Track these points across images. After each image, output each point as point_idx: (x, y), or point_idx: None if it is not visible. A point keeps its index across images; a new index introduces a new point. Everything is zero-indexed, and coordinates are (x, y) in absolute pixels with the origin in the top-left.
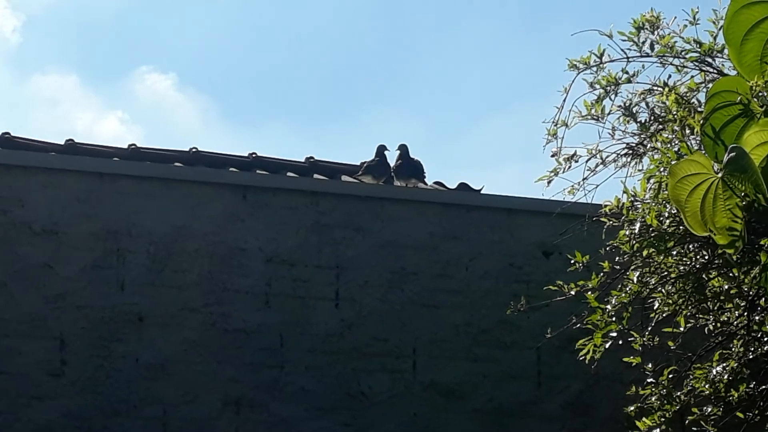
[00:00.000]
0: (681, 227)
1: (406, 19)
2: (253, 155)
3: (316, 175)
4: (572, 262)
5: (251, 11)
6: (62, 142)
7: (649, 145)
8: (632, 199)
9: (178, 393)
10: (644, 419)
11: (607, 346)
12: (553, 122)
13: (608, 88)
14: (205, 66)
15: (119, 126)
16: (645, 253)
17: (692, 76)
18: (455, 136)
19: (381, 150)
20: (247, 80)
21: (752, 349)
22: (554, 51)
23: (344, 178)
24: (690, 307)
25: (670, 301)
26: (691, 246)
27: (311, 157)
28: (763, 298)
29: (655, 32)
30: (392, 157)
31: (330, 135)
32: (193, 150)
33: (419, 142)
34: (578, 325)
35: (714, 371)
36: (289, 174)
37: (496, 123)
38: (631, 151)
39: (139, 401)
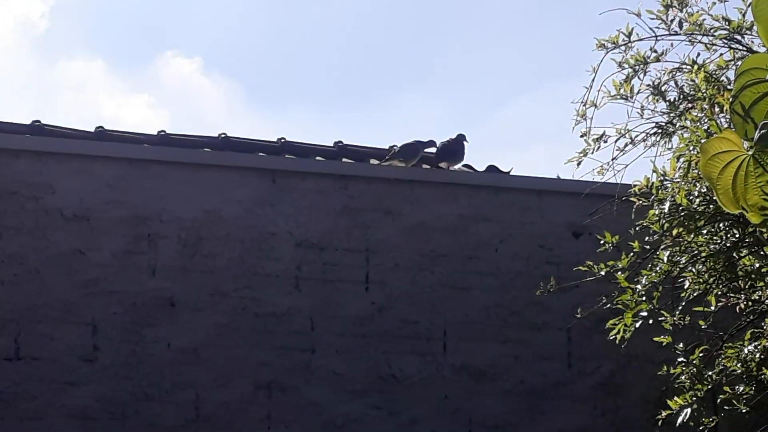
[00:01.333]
0: (711, 206)
1: (432, 1)
2: (282, 140)
3: (344, 159)
4: (602, 242)
5: None
6: (92, 129)
7: (678, 124)
8: (662, 178)
9: (210, 377)
10: (676, 398)
11: (637, 326)
12: (582, 102)
13: (637, 67)
14: (230, 50)
15: (146, 110)
16: (675, 232)
17: (721, 54)
18: (481, 118)
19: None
20: (273, 64)
21: None
22: (580, 30)
23: (372, 161)
24: (721, 286)
25: (701, 280)
26: (721, 225)
27: (339, 142)
28: None
29: (684, 10)
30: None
31: (356, 119)
32: (222, 135)
33: (445, 124)
34: (608, 306)
35: (745, 350)
36: (318, 158)
37: (522, 104)
38: (660, 130)
39: (171, 386)
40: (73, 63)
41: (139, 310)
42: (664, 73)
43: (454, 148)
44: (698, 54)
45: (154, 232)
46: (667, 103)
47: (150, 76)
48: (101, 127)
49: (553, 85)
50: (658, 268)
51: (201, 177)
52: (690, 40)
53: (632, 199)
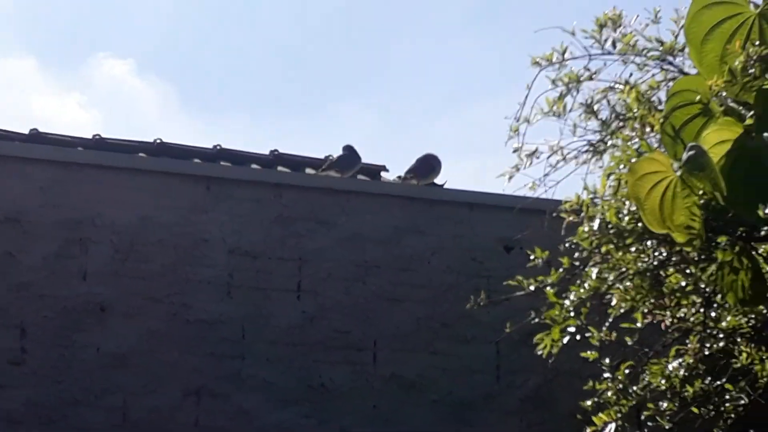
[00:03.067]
0: (639, 224)
1: (366, 13)
2: (218, 147)
3: (280, 168)
4: (532, 257)
5: (211, 3)
6: (26, 131)
7: (609, 143)
8: (592, 195)
9: (140, 383)
10: (601, 414)
11: (565, 341)
12: (516, 118)
13: (570, 85)
14: (164, 53)
15: (78, 110)
16: (604, 249)
17: (653, 75)
18: (414, 131)
19: (349, 147)
20: (207, 68)
21: (708, 345)
22: (511, 46)
23: (308, 170)
24: (647, 304)
25: (628, 297)
26: (649, 243)
27: (275, 150)
28: (719, 295)
29: (618, 30)
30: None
31: (291, 127)
32: (158, 141)
33: (378, 135)
34: (537, 320)
35: (670, 367)
36: (254, 166)
37: (454, 117)
38: (591, 148)
39: (100, 391)
40: (5, 61)
41: (70, 315)
42: (596, 92)
43: (348, 155)
44: (631, 74)
45: (86, 237)
46: (599, 122)
47: (82, 76)
48: (35, 129)
49: (487, 99)
50: (586, 285)
51: (135, 182)
52: (623, 60)
53: (563, 215)
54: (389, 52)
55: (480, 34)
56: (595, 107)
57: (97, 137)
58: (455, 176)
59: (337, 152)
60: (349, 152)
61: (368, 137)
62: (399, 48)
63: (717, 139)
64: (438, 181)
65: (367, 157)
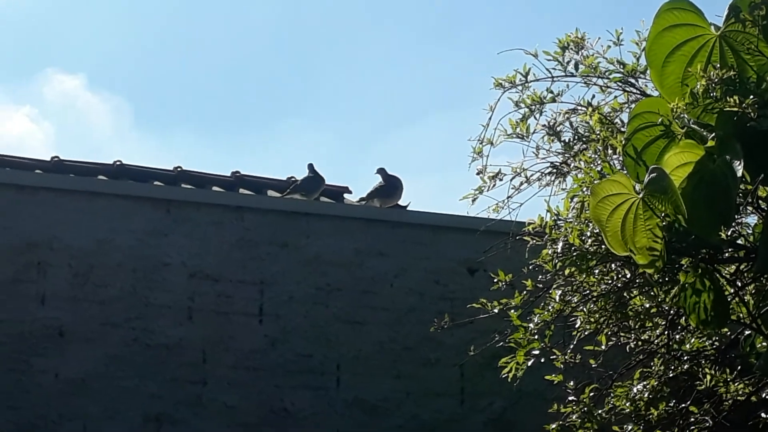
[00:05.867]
0: (603, 246)
1: (319, 28)
2: (178, 169)
3: (241, 190)
4: (496, 280)
5: (161, 21)
6: None
7: (572, 165)
8: (555, 218)
9: (99, 409)
10: None
11: (529, 363)
12: (479, 140)
13: (533, 107)
14: (115, 68)
15: (29, 123)
16: (567, 271)
17: (616, 97)
18: (368, 147)
19: (311, 167)
20: (161, 84)
21: (672, 367)
22: (464, 60)
23: (270, 192)
24: (611, 326)
25: (592, 320)
26: (612, 265)
27: (237, 172)
28: (683, 317)
29: (580, 53)
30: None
31: (247, 144)
32: (117, 163)
33: (333, 153)
34: (501, 343)
35: (635, 389)
36: (215, 188)
37: (409, 133)
38: (555, 170)
39: (58, 417)
40: None
41: (27, 340)
42: (559, 114)
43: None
44: (593, 96)
45: (44, 260)
46: (562, 144)
47: (32, 90)
48: None
49: (444, 114)
50: (550, 307)
51: (94, 205)
52: (585, 82)
53: (526, 237)
54: (335, 66)
55: (426, 48)
56: (558, 129)
57: (56, 159)
58: (418, 194)
59: (296, 171)
60: (314, 174)
61: (326, 155)
62: (345, 63)
63: (679, 162)
64: (401, 202)
65: (327, 177)
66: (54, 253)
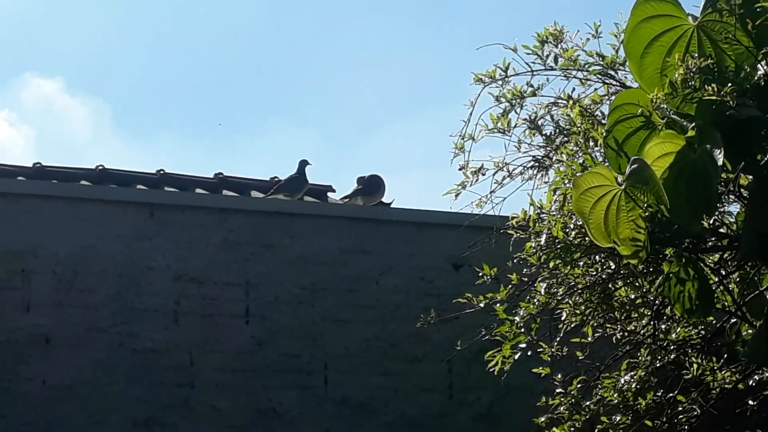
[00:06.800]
0: (587, 238)
1: (296, 26)
2: (161, 172)
3: (225, 192)
4: (481, 274)
5: (139, 22)
6: None
7: (554, 158)
8: (538, 211)
9: (86, 415)
10: (554, 429)
11: (516, 357)
12: (460, 136)
13: (514, 101)
14: (94, 71)
15: (8, 128)
16: (552, 264)
17: (596, 89)
18: (353, 145)
19: (302, 166)
20: (140, 87)
21: (659, 357)
22: (448, 57)
23: (254, 193)
24: (597, 317)
25: (578, 312)
26: (597, 257)
27: (220, 173)
28: (668, 307)
29: (559, 46)
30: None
31: (229, 147)
32: (100, 167)
33: (317, 152)
34: (488, 337)
35: (622, 380)
36: (198, 191)
37: (393, 130)
38: (537, 164)
39: (45, 424)
40: None
41: (13, 347)
42: (540, 108)
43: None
44: (573, 89)
45: (28, 268)
46: (544, 137)
47: (10, 95)
48: None
49: (423, 111)
50: (536, 300)
51: (77, 211)
52: (565, 75)
53: (510, 231)
54: (317, 64)
55: (408, 44)
56: (539, 123)
57: (38, 165)
58: (403, 191)
59: (280, 171)
60: (298, 175)
61: (311, 154)
62: (326, 60)
63: (660, 152)
64: (385, 200)
65: (310, 176)
66: (38, 260)
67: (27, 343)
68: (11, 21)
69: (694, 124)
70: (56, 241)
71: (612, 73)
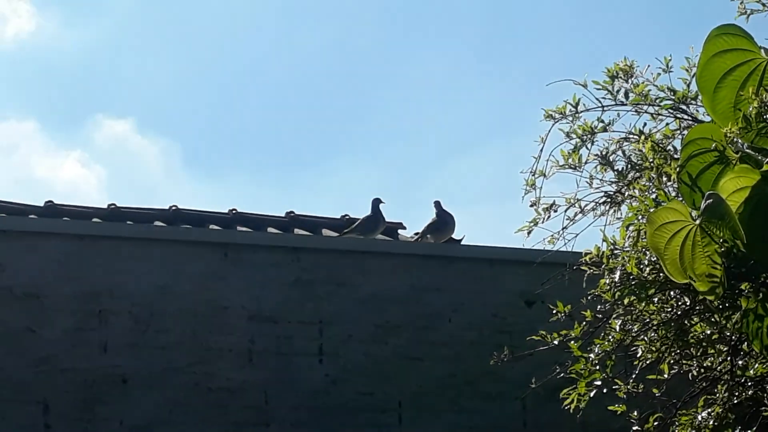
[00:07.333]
0: (661, 274)
1: (362, 60)
2: (233, 211)
3: (296, 230)
4: (554, 311)
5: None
6: (41, 204)
7: (626, 193)
8: (612, 247)
9: None
10: None
11: (591, 394)
12: (531, 172)
13: (584, 137)
14: (163, 112)
15: (80, 168)
16: (626, 301)
17: (667, 124)
18: (421, 179)
19: (375, 204)
20: (209, 126)
21: (736, 393)
22: (514, 88)
23: (325, 231)
24: (673, 354)
25: (653, 348)
26: (672, 293)
27: (291, 212)
28: (746, 343)
29: (629, 81)
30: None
31: (296, 184)
32: (173, 208)
33: (385, 188)
34: (562, 375)
35: (699, 417)
36: (270, 230)
37: (462, 163)
38: (609, 200)
39: None
40: (5, 124)
41: (91, 388)
42: (611, 143)
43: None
44: (644, 124)
45: (105, 308)
46: (616, 173)
47: (82, 135)
48: (50, 201)
49: (496, 143)
50: (610, 337)
51: (152, 251)
52: (636, 110)
53: (583, 268)
54: (395, 100)
55: (471, 78)
56: (611, 158)
57: (112, 206)
58: (474, 224)
59: (350, 208)
60: (373, 214)
61: (379, 190)
62: (390, 98)
63: (735, 187)
64: (455, 236)
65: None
66: (115, 300)
67: (104, 384)
68: (83, 63)
69: None
70: (132, 281)
71: (684, 107)
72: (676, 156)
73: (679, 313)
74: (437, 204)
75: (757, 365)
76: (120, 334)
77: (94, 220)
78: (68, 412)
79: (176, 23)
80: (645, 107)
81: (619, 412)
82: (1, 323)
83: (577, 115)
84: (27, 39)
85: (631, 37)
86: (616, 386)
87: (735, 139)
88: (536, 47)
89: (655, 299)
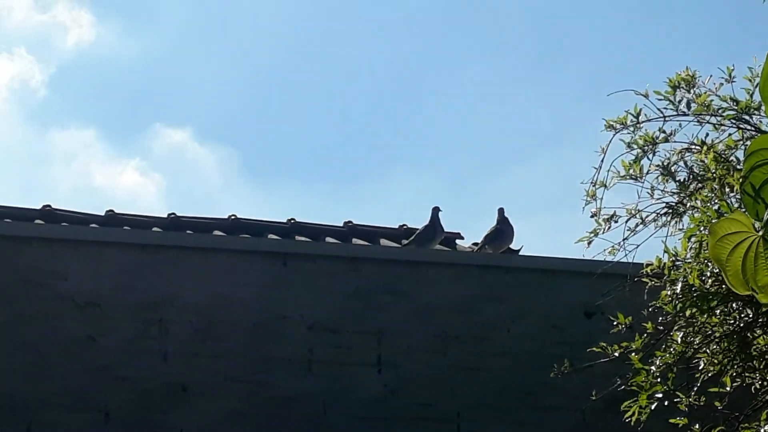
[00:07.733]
0: (723, 286)
1: (417, 70)
2: (292, 221)
3: (354, 240)
4: (615, 323)
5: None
6: (101, 213)
7: (688, 204)
8: (673, 258)
9: None
10: None
11: (652, 407)
12: (591, 182)
13: (646, 147)
14: (222, 121)
15: (139, 177)
16: (688, 313)
17: (730, 134)
18: (478, 188)
19: (434, 213)
20: (266, 137)
21: None
22: (570, 95)
23: (383, 241)
24: (736, 366)
25: (716, 361)
26: (734, 305)
27: (349, 222)
28: None
29: (691, 91)
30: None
31: (353, 194)
32: (232, 217)
33: (443, 197)
34: (623, 387)
35: (762, 430)
36: (328, 239)
37: (518, 172)
38: (670, 210)
39: None
40: (66, 132)
41: (151, 396)
42: (673, 154)
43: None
44: (707, 134)
45: (165, 317)
46: (677, 184)
47: (141, 144)
48: (111, 210)
49: (553, 151)
50: (672, 349)
51: (212, 261)
52: (698, 121)
53: (644, 279)
54: (450, 108)
55: (525, 86)
56: (672, 169)
57: (172, 216)
58: (528, 235)
59: (406, 218)
60: (432, 224)
61: (436, 199)
62: (460, 103)
63: None
64: (514, 246)
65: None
66: (175, 309)
67: (165, 392)
68: (142, 72)
69: None
70: (192, 291)
71: (746, 117)
72: (738, 167)
73: (741, 325)
74: (500, 211)
75: None
76: (180, 343)
77: (155, 229)
78: (128, 420)
79: (234, 32)
80: (707, 117)
81: (680, 425)
82: (63, 332)
83: (638, 125)
84: (87, 48)
85: (687, 48)
86: (678, 399)
87: None
88: (591, 56)
89: (718, 311)
